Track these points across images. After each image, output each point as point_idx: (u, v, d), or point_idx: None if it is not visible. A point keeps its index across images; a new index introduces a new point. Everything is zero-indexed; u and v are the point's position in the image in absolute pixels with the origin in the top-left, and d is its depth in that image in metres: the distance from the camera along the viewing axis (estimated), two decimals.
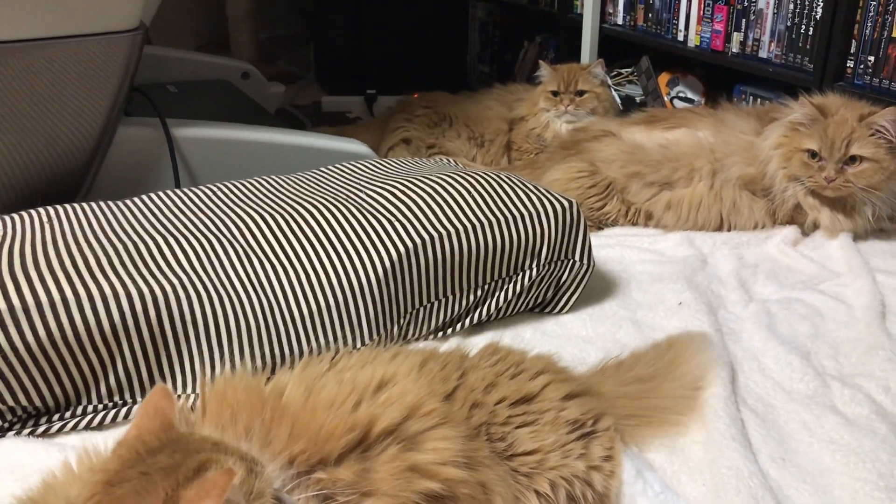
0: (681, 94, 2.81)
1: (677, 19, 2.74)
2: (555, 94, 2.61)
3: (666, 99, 2.80)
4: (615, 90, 2.85)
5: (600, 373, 1.33)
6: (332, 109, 3.27)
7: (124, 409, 1.29)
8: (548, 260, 1.59)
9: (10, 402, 1.23)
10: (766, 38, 2.46)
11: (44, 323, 1.22)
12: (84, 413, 1.27)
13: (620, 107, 2.75)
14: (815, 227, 2.00)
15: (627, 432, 1.22)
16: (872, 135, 1.86)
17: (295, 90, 3.47)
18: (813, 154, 1.91)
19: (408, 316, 1.49)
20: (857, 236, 1.97)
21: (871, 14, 2.17)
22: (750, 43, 2.51)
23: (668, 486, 1.14)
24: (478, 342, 1.41)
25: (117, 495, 0.73)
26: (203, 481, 0.70)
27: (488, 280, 1.55)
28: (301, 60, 3.84)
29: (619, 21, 3.00)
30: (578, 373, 1.30)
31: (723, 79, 2.70)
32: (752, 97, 2.56)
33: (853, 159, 1.87)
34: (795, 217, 2.01)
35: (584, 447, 1.08)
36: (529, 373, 1.13)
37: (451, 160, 1.92)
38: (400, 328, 1.48)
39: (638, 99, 2.90)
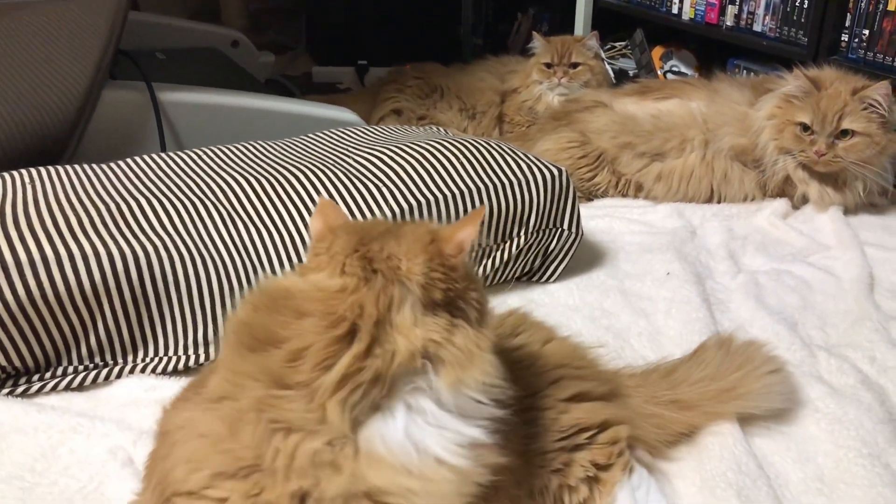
0: (674, 69, 2.79)
1: None
2: (548, 66, 2.58)
3: (659, 73, 2.78)
4: (609, 63, 2.82)
5: (642, 377, 1.19)
6: (323, 80, 3.24)
7: (105, 371, 1.27)
8: (536, 228, 1.58)
9: None
10: (760, 11, 2.44)
11: (23, 282, 1.20)
12: (64, 374, 1.26)
13: (613, 80, 2.73)
14: (805, 200, 1.99)
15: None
16: (865, 109, 1.85)
17: (286, 60, 3.43)
18: (805, 127, 1.89)
19: None
20: (848, 210, 1.97)
21: None
22: (744, 16, 2.49)
23: None
24: None
25: (382, 239, 0.82)
26: (466, 218, 0.84)
27: (475, 248, 1.54)
28: (292, 30, 3.79)
29: None
30: (614, 367, 1.20)
31: (716, 53, 2.68)
32: (745, 71, 2.54)
33: (845, 133, 1.86)
34: (786, 190, 2.00)
35: (566, 462, 0.99)
36: (545, 365, 1.05)
37: (440, 129, 1.90)
38: None
39: (631, 72, 2.89)
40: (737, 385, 1.17)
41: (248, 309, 0.82)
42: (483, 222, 1.52)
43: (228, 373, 0.79)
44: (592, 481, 0.99)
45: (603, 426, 1.02)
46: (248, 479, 0.75)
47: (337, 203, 1.43)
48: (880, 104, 1.83)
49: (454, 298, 0.81)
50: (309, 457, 0.74)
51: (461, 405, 0.79)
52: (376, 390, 0.76)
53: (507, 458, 0.88)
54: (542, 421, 1.00)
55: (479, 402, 0.81)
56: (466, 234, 0.83)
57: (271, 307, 0.80)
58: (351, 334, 0.77)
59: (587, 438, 1.01)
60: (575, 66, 2.57)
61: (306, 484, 0.74)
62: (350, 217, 0.93)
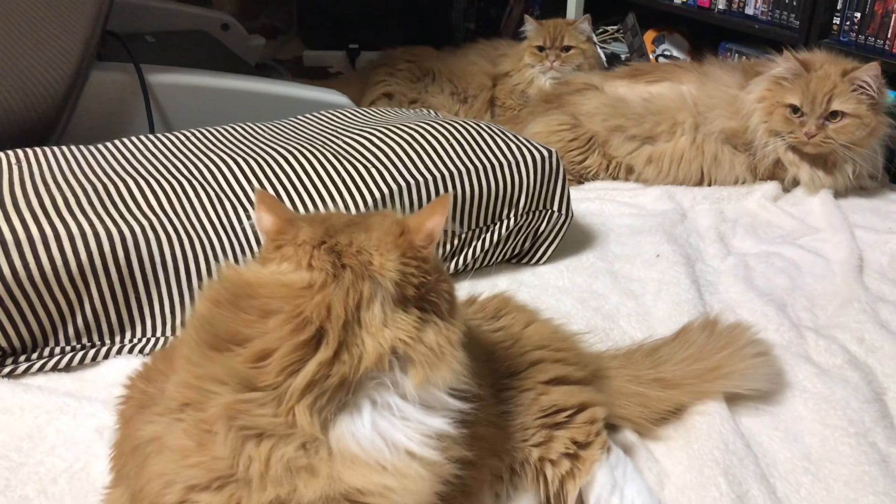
0: (666, 52, 2.78)
1: None
2: (540, 49, 2.57)
3: (651, 57, 2.77)
4: (601, 47, 2.81)
5: (625, 357, 1.20)
6: (314, 64, 3.22)
7: (92, 352, 1.27)
8: (526, 209, 1.57)
9: None
10: None
11: (9, 262, 1.19)
12: (51, 354, 1.26)
13: (605, 64, 2.72)
14: (796, 183, 1.99)
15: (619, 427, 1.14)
16: (855, 90, 1.85)
17: (276, 44, 3.41)
18: (795, 109, 1.89)
19: None
20: (838, 193, 1.97)
21: None
22: None
23: (656, 502, 1.02)
24: None
25: (349, 232, 0.80)
26: (432, 204, 0.82)
27: (465, 229, 1.53)
28: (283, 14, 3.77)
29: None
30: (595, 351, 1.20)
31: (708, 37, 2.67)
32: (737, 55, 2.54)
33: (834, 115, 1.86)
34: (776, 173, 2.00)
35: (547, 436, 1.00)
36: (525, 346, 1.06)
37: (430, 111, 1.89)
38: None
39: (623, 56, 2.88)
40: (721, 365, 1.17)
41: (209, 304, 0.79)
42: (465, 206, 1.52)
43: (191, 376, 0.77)
44: (572, 458, 1.00)
45: (581, 408, 1.03)
46: (224, 491, 0.74)
47: (326, 185, 1.43)
48: (870, 85, 1.83)
49: (426, 292, 0.79)
50: (284, 464, 0.73)
51: (425, 398, 0.78)
52: (342, 392, 0.75)
53: (483, 428, 0.89)
54: (521, 400, 1.00)
55: (444, 397, 0.79)
56: (435, 222, 0.80)
57: (234, 303, 0.77)
58: (318, 338, 0.74)
59: (566, 417, 1.01)
60: (567, 49, 2.57)
61: (283, 492, 0.73)
62: (289, 205, 0.88)
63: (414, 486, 0.76)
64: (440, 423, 0.79)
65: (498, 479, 0.99)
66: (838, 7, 2.20)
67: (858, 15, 2.16)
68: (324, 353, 0.74)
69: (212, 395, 0.74)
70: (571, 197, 1.64)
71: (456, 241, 1.53)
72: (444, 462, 0.80)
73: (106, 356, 1.28)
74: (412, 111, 1.85)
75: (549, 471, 0.99)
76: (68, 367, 1.26)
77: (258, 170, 1.43)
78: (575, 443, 1.00)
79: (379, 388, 0.76)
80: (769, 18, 2.39)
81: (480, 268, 1.60)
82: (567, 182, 1.61)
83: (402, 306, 0.77)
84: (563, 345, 1.12)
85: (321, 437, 0.74)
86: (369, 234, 0.80)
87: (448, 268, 1.54)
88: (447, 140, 1.54)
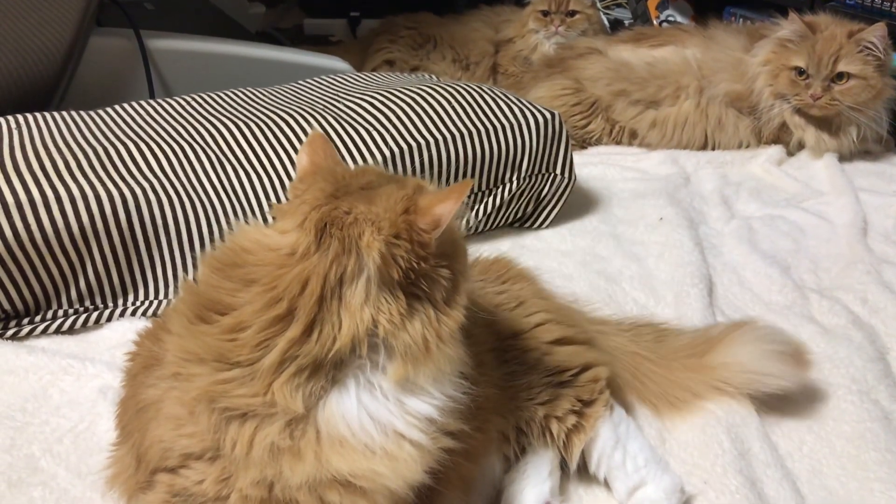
0: (670, 18, 2.75)
1: None
2: (545, 14, 2.54)
3: (655, 23, 2.75)
4: (604, 13, 2.79)
5: (630, 325, 1.20)
6: (315, 32, 3.19)
7: (95, 314, 1.27)
8: (528, 173, 1.57)
9: None
10: None
11: (10, 224, 1.19)
12: (54, 317, 1.26)
13: (609, 30, 2.69)
14: (801, 146, 1.98)
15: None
16: (861, 51, 1.83)
17: (277, 13, 3.38)
18: (800, 72, 1.87)
19: None
20: (843, 157, 1.95)
21: None
22: None
23: (657, 458, 1.02)
24: None
25: (355, 198, 0.75)
26: (449, 188, 0.76)
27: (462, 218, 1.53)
28: None
29: None
30: (590, 318, 1.18)
31: (712, 1, 2.64)
32: (741, 19, 2.51)
33: (840, 76, 1.84)
34: (781, 136, 1.99)
35: (552, 394, 0.99)
36: (529, 309, 1.06)
37: (432, 76, 1.87)
38: None
39: (626, 22, 2.85)
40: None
41: (206, 269, 0.77)
42: (468, 169, 1.51)
43: (176, 349, 0.75)
44: (577, 414, 1.00)
45: (585, 367, 1.03)
46: (216, 463, 0.74)
47: None
48: (876, 46, 1.81)
49: (417, 278, 0.74)
50: (266, 446, 0.71)
51: (410, 388, 0.76)
52: (322, 371, 0.73)
53: (486, 390, 0.87)
54: (525, 360, 1.00)
55: (431, 390, 0.76)
56: (446, 208, 0.74)
57: (223, 270, 0.75)
58: (290, 314, 0.72)
59: (570, 376, 1.01)
60: (572, 14, 2.53)
61: (269, 472, 0.72)
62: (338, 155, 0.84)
63: (405, 469, 0.74)
64: (428, 409, 0.76)
65: (504, 440, 0.99)
66: None
67: None
68: (293, 330, 0.71)
69: (192, 376, 0.73)
70: (574, 161, 1.63)
71: None
72: (439, 438, 0.77)
73: (109, 319, 1.28)
74: (413, 75, 1.84)
75: (554, 427, 0.99)
76: (71, 330, 1.27)
77: (259, 133, 1.42)
78: (580, 400, 1.01)
79: (364, 368, 0.74)
80: None
81: (483, 231, 1.59)
82: (570, 145, 1.60)
83: (388, 288, 0.73)
84: (567, 310, 1.12)
85: (305, 415, 0.72)
86: (371, 206, 0.74)
87: None
88: (449, 102, 1.53)
